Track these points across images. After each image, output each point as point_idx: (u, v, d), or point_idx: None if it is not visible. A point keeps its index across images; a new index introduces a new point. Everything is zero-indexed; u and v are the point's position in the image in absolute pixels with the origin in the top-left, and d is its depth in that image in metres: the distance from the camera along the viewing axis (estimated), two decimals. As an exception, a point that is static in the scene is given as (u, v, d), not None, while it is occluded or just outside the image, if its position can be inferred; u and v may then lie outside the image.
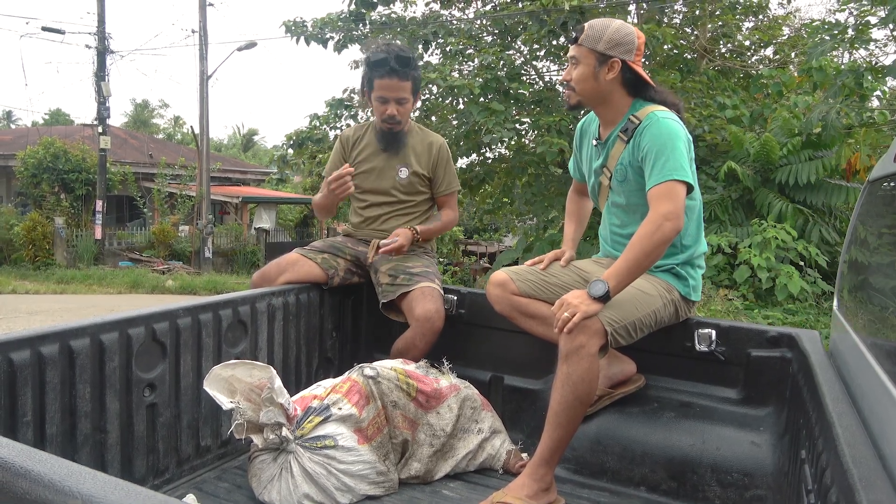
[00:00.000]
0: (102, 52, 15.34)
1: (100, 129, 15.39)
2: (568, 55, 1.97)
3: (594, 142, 2.08)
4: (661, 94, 1.97)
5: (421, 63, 9.90)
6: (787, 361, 1.91)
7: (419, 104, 9.66)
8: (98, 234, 15.39)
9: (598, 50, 1.89)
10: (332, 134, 9.50)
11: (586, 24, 1.92)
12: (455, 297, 2.42)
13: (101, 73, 15.35)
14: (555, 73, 10.35)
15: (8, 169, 17.82)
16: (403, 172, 2.51)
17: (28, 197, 16.54)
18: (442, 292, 2.37)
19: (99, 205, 15.36)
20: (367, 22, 9.70)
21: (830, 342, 2.02)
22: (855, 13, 6.90)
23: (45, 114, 37.91)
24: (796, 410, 1.70)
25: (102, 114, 15.41)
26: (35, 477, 0.80)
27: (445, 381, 2.08)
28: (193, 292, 11.95)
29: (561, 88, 2.11)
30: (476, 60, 8.99)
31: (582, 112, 2.20)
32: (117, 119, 38.21)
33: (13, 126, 36.04)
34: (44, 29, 15.22)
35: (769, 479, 1.83)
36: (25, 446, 0.87)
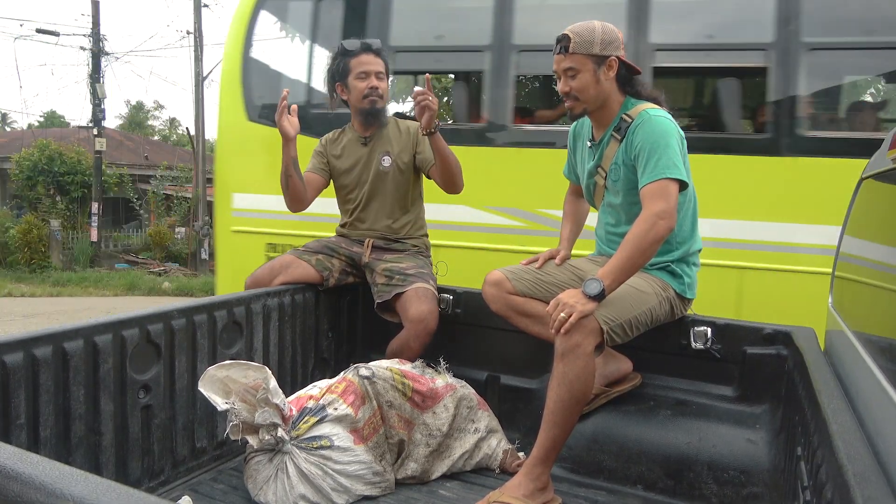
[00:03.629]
0: (97, 54, 15.30)
1: (95, 131, 15.33)
2: (560, 68, 1.92)
3: (588, 143, 2.08)
4: (643, 87, 1.99)
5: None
6: (783, 358, 1.91)
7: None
8: (94, 237, 15.35)
9: (595, 53, 1.88)
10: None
11: (569, 33, 1.89)
12: (451, 297, 2.42)
13: (95, 75, 15.30)
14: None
15: (3, 171, 17.78)
16: (386, 161, 2.50)
17: (23, 199, 16.50)
18: (437, 293, 2.36)
19: (94, 207, 15.31)
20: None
21: (826, 339, 2.02)
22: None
23: (40, 116, 37.83)
24: (792, 407, 1.70)
25: (97, 116, 15.36)
26: (26, 479, 0.79)
27: (441, 380, 2.07)
28: (190, 294, 11.91)
29: (563, 99, 2.08)
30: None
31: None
32: (112, 121, 38.13)
33: (8, 129, 35.95)
34: (38, 31, 15.21)
35: (765, 476, 1.83)
36: (17, 448, 0.87)
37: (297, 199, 2.44)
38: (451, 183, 2.40)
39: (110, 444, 1.70)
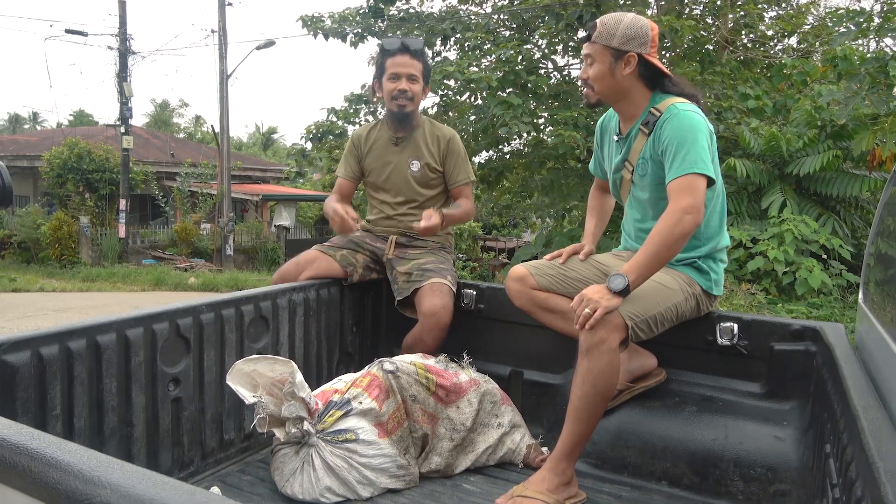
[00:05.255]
0: (124, 53, 15.54)
1: (122, 130, 15.61)
2: (583, 53, 1.95)
3: (615, 137, 2.06)
4: (679, 86, 1.95)
5: (439, 58, 9.91)
6: (812, 355, 1.88)
7: (436, 100, 9.71)
8: (122, 233, 15.63)
9: (613, 46, 1.86)
10: (350, 129, 9.54)
11: (598, 21, 1.90)
12: (474, 292, 2.42)
13: (123, 74, 15.55)
14: (574, 66, 10.29)
15: (34, 170, 18.16)
16: (415, 165, 2.52)
17: (54, 197, 16.86)
18: (453, 288, 2.37)
19: (122, 204, 15.59)
20: (386, 17, 9.72)
21: (856, 335, 1.99)
22: (881, 0, 6.75)
23: (70, 115, 38.57)
24: (821, 404, 1.68)
25: (125, 114, 15.63)
26: (65, 467, 0.81)
27: (465, 375, 2.08)
28: (216, 289, 12.07)
29: (580, 86, 2.13)
30: (494, 55, 8.98)
31: (601, 108, 2.19)
32: (139, 119, 38.68)
33: (39, 128, 36.70)
34: (67, 31, 15.47)
35: (793, 473, 1.81)
36: (56, 437, 0.90)
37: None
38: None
39: (142, 436, 1.74)
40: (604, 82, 1.91)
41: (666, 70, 1.94)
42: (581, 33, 8.82)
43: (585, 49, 1.93)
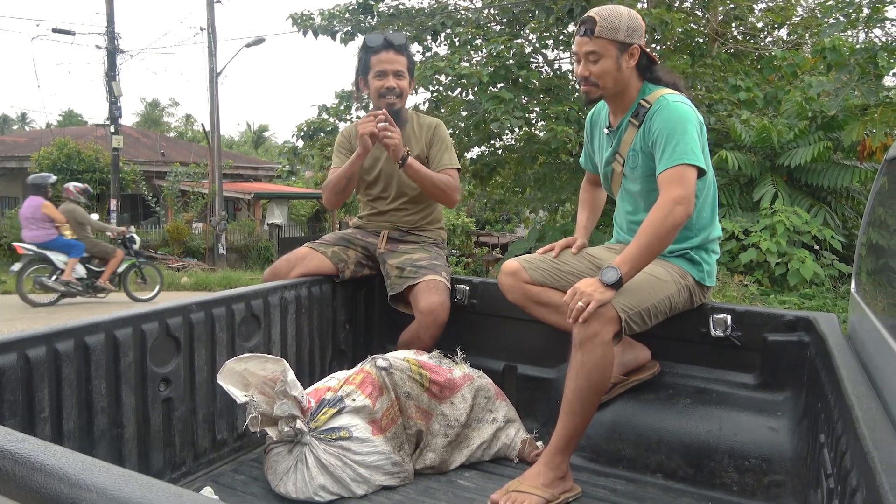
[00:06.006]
0: (112, 52, 15.41)
1: (112, 129, 15.47)
2: (581, 51, 1.89)
3: (605, 130, 2.06)
4: (664, 73, 1.96)
5: (429, 54, 9.89)
6: (805, 345, 1.88)
7: (428, 96, 9.69)
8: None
9: (619, 40, 1.85)
10: (341, 126, 9.51)
11: (595, 16, 1.86)
12: (467, 287, 2.41)
13: (111, 73, 15.42)
14: (564, 60, 10.29)
15: (23, 170, 17.98)
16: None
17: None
18: (449, 285, 2.36)
19: (113, 204, 15.47)
20: (375, 13, 9.68)
21: (849, 325, 1.99)
22: (870, -9, 6.77)
23: (59, 115, 38.35)
24: (814, 394, 1.68)
25: (114, 113, 15.49)
26: (50, 471, 0.80)
27: (459, 371, 2.07)
28: (208, 288, 12.00)
29: (579, 85, 2.07)
30: (484, 50, 8.96)
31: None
32: (129, 118, 38.46)
33: (27, 128, 36.44)
34: (54, 31, 15.31)
35: (787, 464, 1.81)
36: (40, 441, 0.88)
37: (345, 198, 2.52)
38: (437, 201, 2.52)
39: (132, 437, 1.72)
40: (610, 77, 1.88)
41: (655, 57, 1.95)
42: (572, 27, 8.81)
43: (586, 46, 1.87)
